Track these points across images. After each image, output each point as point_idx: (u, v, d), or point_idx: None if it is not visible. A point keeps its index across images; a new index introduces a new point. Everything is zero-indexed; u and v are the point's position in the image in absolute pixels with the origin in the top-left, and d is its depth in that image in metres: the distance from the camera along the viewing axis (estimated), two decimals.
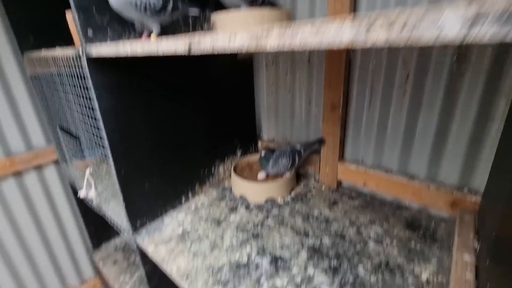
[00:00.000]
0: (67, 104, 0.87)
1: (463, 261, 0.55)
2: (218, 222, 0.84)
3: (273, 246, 0.73)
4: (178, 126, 0.86)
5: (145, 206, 0.82)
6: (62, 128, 1.03)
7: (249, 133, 1.15)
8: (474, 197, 0.71)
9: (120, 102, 0.70)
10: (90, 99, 0.69)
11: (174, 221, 0.86)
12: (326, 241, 0.73)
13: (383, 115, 0.83)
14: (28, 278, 1.24)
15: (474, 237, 0.61)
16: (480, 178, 0.72)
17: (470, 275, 0.51)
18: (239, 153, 1.11)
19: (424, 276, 0.61)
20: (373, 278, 0.61)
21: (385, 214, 0.82)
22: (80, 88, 0.72)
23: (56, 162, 1.22)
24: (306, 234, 0.76)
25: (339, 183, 0.99)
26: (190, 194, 0.95)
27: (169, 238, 0.78)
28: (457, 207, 0.73)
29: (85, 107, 0.74)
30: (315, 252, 0.70)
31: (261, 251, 0.71)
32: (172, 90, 0.82)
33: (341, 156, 0.95)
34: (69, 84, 0.78)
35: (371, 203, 0.88)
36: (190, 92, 0.87)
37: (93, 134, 0.76)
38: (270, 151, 0.95)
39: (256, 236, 0.77)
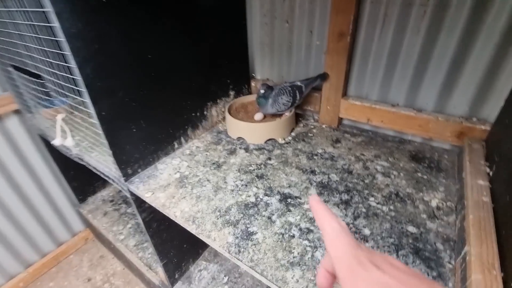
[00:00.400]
0: (17, 31, 0.70)
1: (478, 185, 0.55)
2: (218, 165, 0.78)
3: (280, 185, 0.69)
4: (165, 60, 0.73)
5: (135, 152, 0.73)
6: (17, 68, 0.85)
7: (242, 72, 1.04)
8: (483, 126, 0.69)
9: (90, 25, 0.55)
10: (48, 22, 0.53)
11: (169, 167, 0.79)
12: (334, 177, 0.71)
13: (395, 44, 0.75)
14: (15, 238, 1.17)
15: (485, 164, 0.61)
16: (491, 107, 0.69)
17: (486, 198, 0.51)
18: (232, 94, 1.01)
19: (433, 203, 0.61)
20: (385, 208, 0.61)
21: (389, 149, 0.81)
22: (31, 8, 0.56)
23: (17, 112, 1.05)
24: (313, 172, 0.73)
25: (339, 121, 0.95)
26: (183, 139, 0.87)
27: (167, 184, 0.72)
28: (464, 136, 0.72)
29: (41, 34, 0.59)
30: (325, 188, 0.67)
31: (269, 191, 0.68)
32: (155, 15, 0.67)
33: (344, 93, 0.89)
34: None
35: (374, 139, 0.86)
36: (176, 22, 0.72)
37: (60, 71, 0.62)
38: (269, 88, 0.86)
39: (261, 176, 0.73)
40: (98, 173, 0.81)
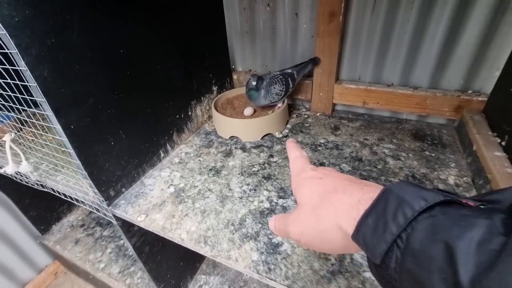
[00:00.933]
0: None
1: (496, 157, 0.54)
2: (217, 171, 0.69)
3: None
4: (140, 55, 0.60)
5: (116, 169, 0.61)
6: None
7: (223, 64, 0.94)
8: (480, 97, 0.70)
9: (42, 11, 0.42)
10: None
11: (159, 181, 0.67)
12: (346, 167, 0.66)
13: (388, 21, 0.72)
14: None
15: (493, 134, 0.61)
16: (484, 79, 0.70)
17: (510, 169, 0.51)
18: (215, 90, 0.91)
19: (451, 180, 0.60)
20: None
21: (389, 130, 0.79)
22: None
23: None
24: (322, 164, 0.68)
25: (333, 107, 0.91)
26: (168, 146, 0.75)
27: (161, 202, 0.61)
28: (461, 110, 0.72)
29: None
30: None
31: (282, 192, 0.61)
32: (124, 2, 0.54)
33: (337, 78, 0.85)
34: None
35: (371, 122, 0.83)
36: (149, 12, 0.60)
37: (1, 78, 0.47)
38: (260, 79, 0.78)
39: (268, 177, 0.65)
40: (69, 199, 0.66)
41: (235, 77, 1.00)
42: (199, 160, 0.73)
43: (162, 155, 0.74)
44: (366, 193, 0.21)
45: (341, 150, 0.72)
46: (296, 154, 0.33)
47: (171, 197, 0.62)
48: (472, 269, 0.14)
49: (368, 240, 0.19)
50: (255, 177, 0.66)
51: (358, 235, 0.20)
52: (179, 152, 0.77)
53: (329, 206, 0.23)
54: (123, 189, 0.64)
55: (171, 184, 0.66)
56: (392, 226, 0.17)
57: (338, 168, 0.66)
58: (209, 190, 0.63)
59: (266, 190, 0.62)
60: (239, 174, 0.67)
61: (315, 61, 0.83)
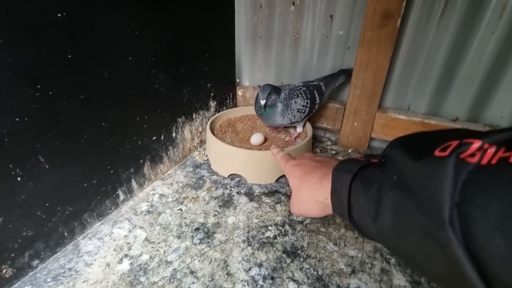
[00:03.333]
0: None
1: None
2: (207, 234, 0.42)
3: (336, 269, 0.37)
4: (99, 36, 0.36)
5: (22, 226, 0.33)
6: None
7: (226, 74, 0.70)
8: None
9: None
10: None
11: (107, 245, 0.39)
12: None
13: (462, 32, 0.52)
14: None
15: None
16: None
17: None
18: (212, 106, 0.66)
19: None
20: None
21: None
22: None
23: None
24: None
25: (368, 143, 0.68)
26: (134, 184, 0.48)
27: None
28: None
29: None
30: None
31: (320, 284, 0.34)
32: None
33: (379, 104, 0.63)
34: None
35: None
36: None
37: None
38: (275, 90, 0.55)
39: (293, 252, 0.39)
40: None
41: (239, 92, 0.76)
42: (180, 210, 0.46)
43: (121, 197, 0.46)
44: (323, 172, 0.29)
45: None
46: (280, 153, 0.40)
47: (121, 283, 0.34)
48: (374, 206, 0.21)
49: (338, 210, 0.26)
50: (271, 250, 0.39)
51: (334, 209, 0.27)
52: (150, 194, 0.50)
53: (305, 187, 0.31)
54: (35, 262, 0.35)
55: (126, 255, 0.38)
56: (343, 197, 0.24)
57: None
58: (192, 273, 0.35)
59: (292, 280, 0.35)
60: (244, 242, 0.40)
61: (348, 73, 0.61)
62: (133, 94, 0.44)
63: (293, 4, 0.64)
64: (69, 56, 0.33)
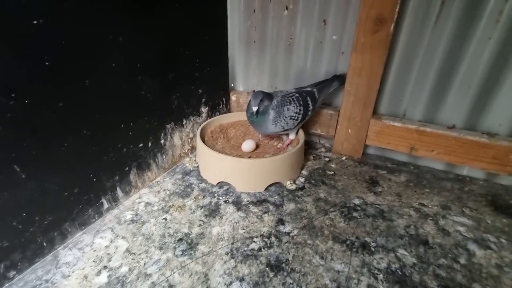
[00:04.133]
0: None
1: None
2: (190, 245, 0.40)
3: (321, 285, 0.35)
4: (82, 42, 0.35)
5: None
6: None
7: (219, 79, 0.69)
8: None
9: None
10: None
11: (87, 256, 0.38)
12: (407, 256, 0.40)
13: (458, 37, 0.50)
14: None
15: None
16: None
17: None
18: (204, 111, 0.65)
19: None
20: None
21: (452, 192, 0.53)
22: None
23: None
24: (366, 247, 0.41)
25: (364, 150, 0.66)
26: (119, 192, 0.47)
27: None
28: None
29: None
30: (403, 286, 0.35)
31: None
32: None
33: (373, 110, 0.61)
34: None
35: (422, 177, 0.58)
36: None
37: None
38: (267, 97, 0.54)
39: (277, 266, 0.37)
40: None
41: (233, 98, 0.75)
42: (165, 219, 0.45)
43: (105, 206, 0.45)
44: None
45: (391, 221, 0.46)
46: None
47: None
48: None
49: None
50: (255, 263, 0.38)
51: None
52: (136, 202, 0.49)
53: None
54: (11, 273, 0.34)
55: (105, 267, 0.37)
56: None
57: (394, 256, 0.40)
58: (171, 287, 0.34)
59: None
60: (227, 254, 0.39)
61: (342, 79, 0.60)
62: (117, 101, 0.43)
63: (287, 8, 0.63)
64: (47, 63, 0.33)
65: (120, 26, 0.41)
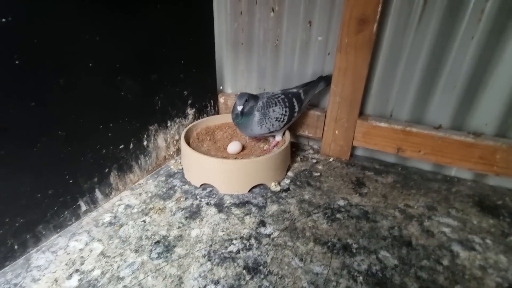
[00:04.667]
0: None
1: None
2: (167, 248, 0.40)
3: (298, 287, 0.34)
4: (54, 38, 0.35)
5: None
6: None
7: (206, 80, 0.69)
8: None
9: None
10: None
11: (60, 259, 0.37)
12: (389, 258, 0.39)
13: (442, 36, 0.50)
14: None
15: None
16: None
17: None
18: (191, 113, 0.65)
19: None
20: None
21: (439, 193, 0.53)
22: None
23: None
24: (347, 249, 0.40)
25: (352, 152, 0.65)
26: (98, 194, 0.46)
27: None
28: None
29: None
30: None
31: None
32: None
33: (360, 111, 0.60)
34: None
35: (409, 178, 0.57)
36: None
37: None
38: (252, 98, 0.54)
39: (254, 268, 0.37)
40: None
41: (221, 100, 0.75)
42: (144, 222, 0.44)
43: (83, 208, 0.44)
44: None
45: (374, 223, 0.45)
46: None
47: None
48: None
49: None
50: (232, 265, 0.37)
51: None
52: (116, 204, 0.48)
53: None
54: None
55: (77, 270, 0.36)
56: None
57: (375, 257, 0.39)
58: None
59: None
60: (204, 256, 0.38)
61: (328, 80, 0.60)
62: (95, 102, 0.43)
63: (273, 10, 0.63)
64: (17, 62, 0.32)
65: (97, 25, 0.40)
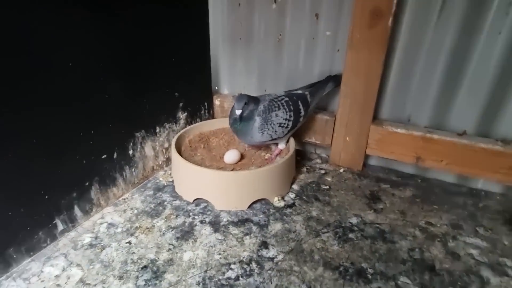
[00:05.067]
0: None
1: None
2: (155, 274, 0.39)
3: None
4: (24, 34, 0.35)
5: None
6: None
7: (200, 81, 0.69)
8: None
9: None
10: None
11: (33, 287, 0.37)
12: (409, 287, 0.38)
13: (465, 32, 0.50)
14: None
15: None
16: None
17: None
18: (182, 117, 0.65)
19: None
20: None
21: (465, 209, 0.52)
22: None
23: None
24: (362, 274, 0.39)
25: (364, 161, 0.65)
26: (77, 211, 0.46)
27: None
28: None
29: None
30: None
31: None
32: None
33: (374, 115, 0.60)
34: None
35: (430, 191, 0.57)
36: None
37: None
38: (252, 101, 0.53)
39: None
40: None
41: (217, 102, 0.75)
42: (129, 243, 0.44)
43: (60, 227, 0.44)
44: None
45: (392, 244, 0.45)
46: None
47: None
48: None
49: None
50: None
51: None
52: (97, 223, 0.47)
53: None
54: None
55: None
56: None
57: (394, 284, 0.38)
58: None
59: None
60: (198, 284, 0.38)
61: (337, 80, 0.60)
62: (74, 106, 0.42)
63: (275, 1, 0.64)
64: None
65: (77, 21, 0.40)
